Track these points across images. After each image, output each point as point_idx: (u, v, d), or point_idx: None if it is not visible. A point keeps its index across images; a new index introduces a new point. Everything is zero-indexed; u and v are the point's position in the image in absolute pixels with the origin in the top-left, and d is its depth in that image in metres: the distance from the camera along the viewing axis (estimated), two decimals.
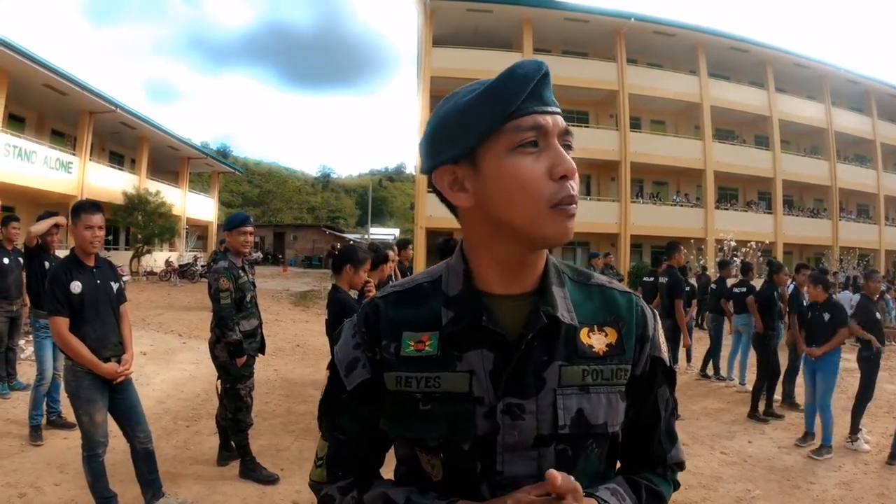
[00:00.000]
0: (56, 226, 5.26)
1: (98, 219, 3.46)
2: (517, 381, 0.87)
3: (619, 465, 1.04)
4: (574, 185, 0.86)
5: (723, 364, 8.98)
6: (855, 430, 5.80)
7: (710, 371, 9.06)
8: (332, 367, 1.00)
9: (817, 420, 5.74)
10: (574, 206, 0.86)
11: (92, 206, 3.51)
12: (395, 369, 0.91)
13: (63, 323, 3.31)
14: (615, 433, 0.94)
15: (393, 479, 1.02)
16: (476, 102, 0.86)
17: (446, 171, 0.91)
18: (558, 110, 0.87)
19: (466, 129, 0.87)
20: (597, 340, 0.92)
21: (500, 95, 0.84)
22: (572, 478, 0.79)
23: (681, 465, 1.04)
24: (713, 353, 9.08)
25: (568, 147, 0.87)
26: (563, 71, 24.23)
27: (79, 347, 3.31)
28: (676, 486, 1.04)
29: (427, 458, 0.91)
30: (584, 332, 0.92)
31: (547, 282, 0.93)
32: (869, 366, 5.85)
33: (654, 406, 1.00)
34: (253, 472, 4.25)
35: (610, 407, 0.91)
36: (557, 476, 0.77)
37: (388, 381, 0.92)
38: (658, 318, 1.03)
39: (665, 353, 1.01)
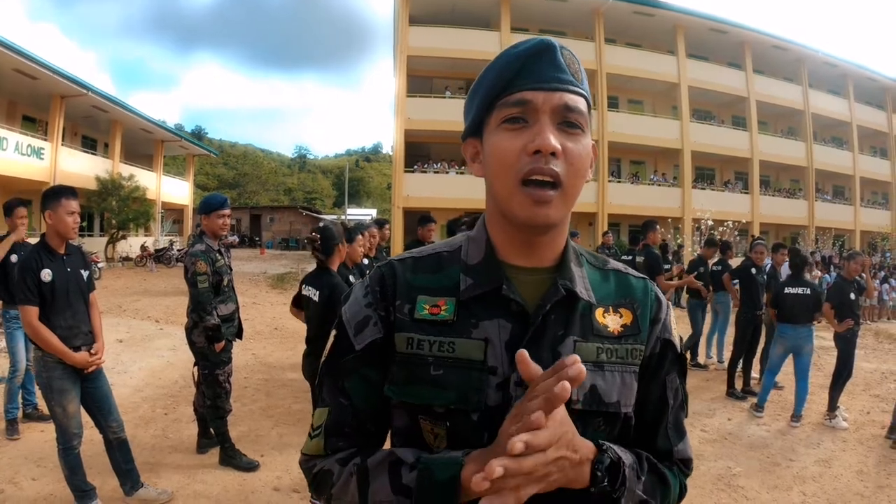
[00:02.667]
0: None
1: (76, 204, 3.38)
2: (532, 354, 0.81)
3: None
4: (552, 162, 0.82)
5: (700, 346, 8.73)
6: (833, 407, 5.91)
7: (711, 366, 8.46)
8: (339, 326, 0.96)
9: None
10: (546, 188, 0.83)
11: (70, 191, 3.42)
12: (408, 331, 0.89)
13: (33, 312, 3.21)
14: (627, 415, 0.91)
15: None
16: (479, 79, 0.91)
17: (470, 143, 0.95)
18: (563, 87, 0.85)
19: (471, 104, 0.93)
20: (612, 321, 0.92)
21: (494, 72, 0.88)
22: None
23: (687, 463, 0.99)
24: (710, 337, 8.62)
25: (571, 125, 0.85)
26: None
27: (49, 337, 3.22)
28: (683, 489, 0.98)
29: (431, 426, 0.87)
30: (599, 312, 0.92)
31: (566, 258, 0.93)
32: (846, 344, 5.97)
33: (663, 393, 0.97)
34: (233, 458, 4.20)
35: (624, 386, 0.90)
36: (575, 359, 0.71)
37: (399, 343, 0.89)
38: (671, 306, 1.02)
39: (676, 338, 0.99)
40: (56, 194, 3.35)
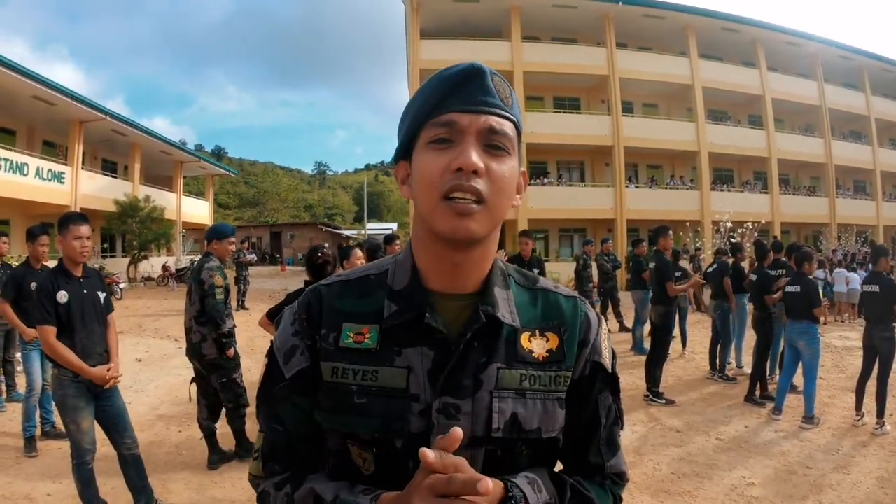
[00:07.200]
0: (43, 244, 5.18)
1: (85, 229, 3.50)
2: (454, 382, 0.87)
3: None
4: (474, 180, 0.83)
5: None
6: (881, 413, 5.67)
7: (730, 371, 8.06)
8: (270, 354, 0.99)
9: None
10: (466, 201, 0.83)
11: (79, 217, 3.56)
12: (332, 360, 0.90)
13: (50, 331, 3.34)
14: (552, 438, 0.93)
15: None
16: (410, 102, 0.92)
17: (402, 166, 0.95)
18: (489, 110, 0.86)
19: (402, 127, 0.94)
20: (537, 345, 0.93)
21: (424, 95, 0.89)
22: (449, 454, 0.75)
23: (621, 476, 1.01)
24: (715, 345, 8.13)
25: (496, 147, 0.86)
26: (553, 58, 24.24)
27: (66, 354, 3.33)
28: (618, 500, 1.01)
29: (359, 451, 0.90)
30: (525, 337, 0.93)
31: (490, 283, 0.93)
32: (890, 346, 5.76)
33: (594, 412, 0.98)
34: (249, 452, 4.36)
35: (546, 414, 0.91)
36: (429, 453, 0.72)
37: (325, 372, 0.91)
38: (603, 323, 1.03)
39: (607, 359, 1.00)
40: (66, 221, 3.49)
